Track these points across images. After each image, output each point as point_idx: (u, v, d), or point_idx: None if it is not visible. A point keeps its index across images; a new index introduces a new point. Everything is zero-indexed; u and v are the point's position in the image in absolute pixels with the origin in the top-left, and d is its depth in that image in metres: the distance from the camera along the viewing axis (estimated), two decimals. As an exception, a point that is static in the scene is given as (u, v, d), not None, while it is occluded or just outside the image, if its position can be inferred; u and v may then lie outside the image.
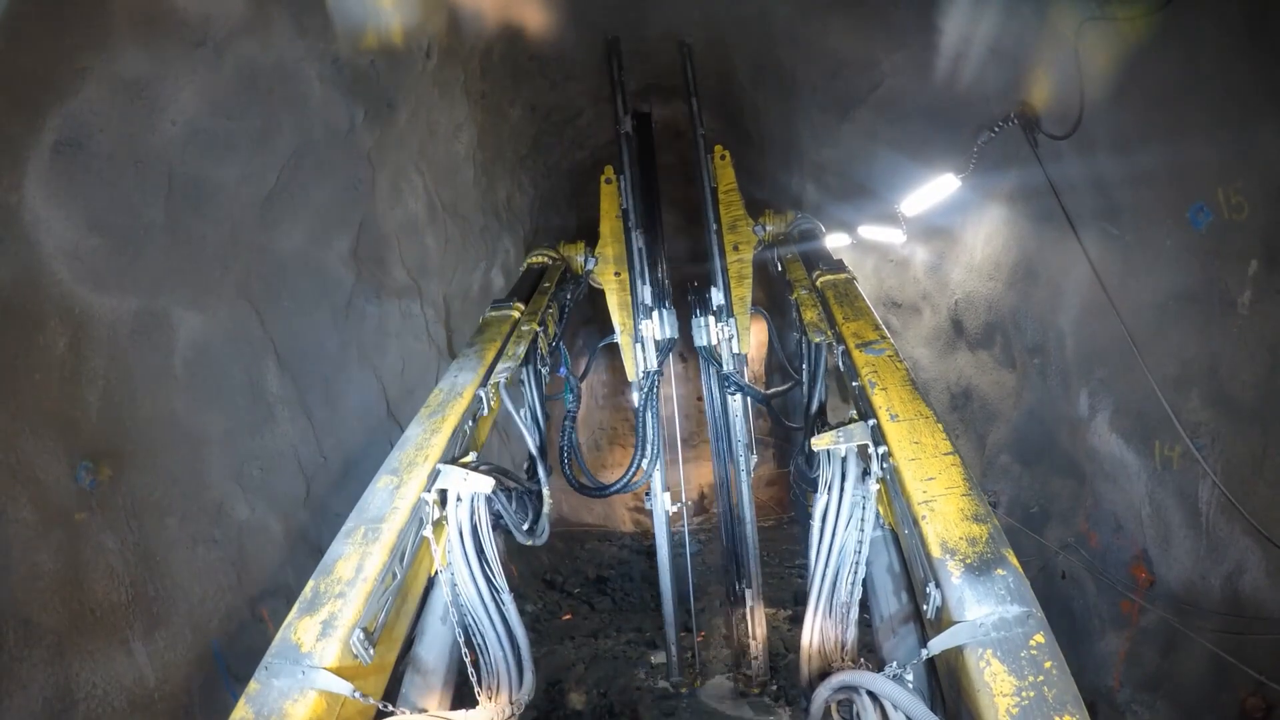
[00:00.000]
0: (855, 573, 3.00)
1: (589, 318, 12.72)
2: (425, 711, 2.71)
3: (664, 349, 5.30)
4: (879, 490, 2.99)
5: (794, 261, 4.99)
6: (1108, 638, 4.93)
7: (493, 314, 4.40)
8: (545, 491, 3.73)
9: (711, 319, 5.40)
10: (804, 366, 4.15)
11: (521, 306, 4.50)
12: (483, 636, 2.92)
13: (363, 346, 6.36)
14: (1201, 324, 3.99)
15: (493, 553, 2.94)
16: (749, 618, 6.31)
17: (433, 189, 7.16)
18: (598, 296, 5.67)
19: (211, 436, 4.47)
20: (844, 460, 3.06)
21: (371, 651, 2.41)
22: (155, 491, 3.95)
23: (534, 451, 3.80)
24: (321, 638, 2.32)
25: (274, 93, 4.40)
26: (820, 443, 3.10)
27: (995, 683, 2.07)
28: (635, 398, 5.12)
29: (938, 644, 2.27)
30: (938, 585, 2.35)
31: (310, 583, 2.50)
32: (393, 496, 2.80)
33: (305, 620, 2.38)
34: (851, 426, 3.09)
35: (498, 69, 7.88)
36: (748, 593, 6.22)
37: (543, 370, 4.26)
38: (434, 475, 2.88)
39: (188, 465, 4.23)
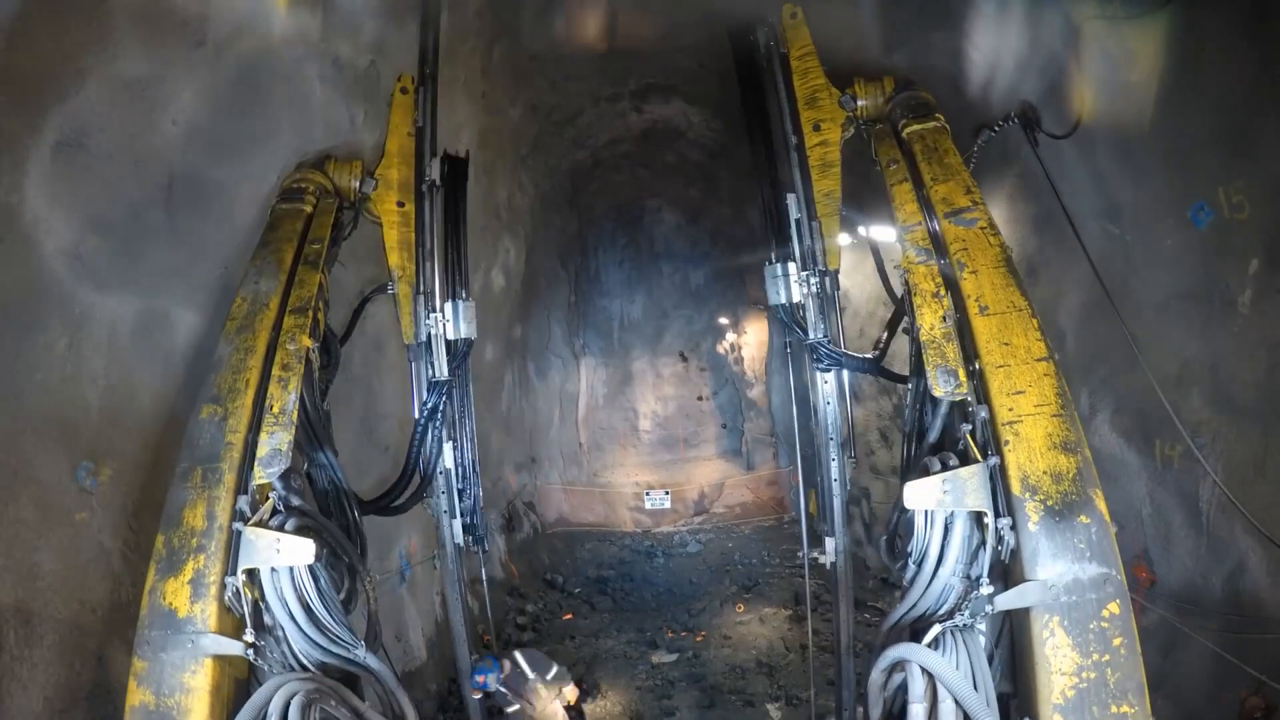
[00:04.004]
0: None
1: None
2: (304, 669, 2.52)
3: (460, 353, 4.18)
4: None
5: (900, 184, 3.39)
6: (1108, 637, 4.92)
7: (283, 207, 3.94)
8: (369, 582, 3.07)
9: (792, 267, 3.91)
10: (909, 404, 3.10)
11: (314, 200, 3.96)
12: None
13: (364, 346, 6.36)
14: (1202, 323, 3.99)
15: (330, 618, 2.57)
16: (839, 640, 4.75)
17: (433, 189, 7.15)
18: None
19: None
20: (949, 521, 2.30)
21: (245, 600, 2.32)
22: (155, 491, 3.95)
23: (349, 551, 3.01)
24: (196, 599, 2.24)
25: (274, 93, 4.40)
26: (918, 499, 2.30)
27: (1056, 658, 1.93)
28: (414, 407, 4.00)
29: (1004, 601, 2.09)
30: (1014, 529, 2.12)
31: (159, 537, 2.37)
32: (222, 430, 2.62)
33: (171, 582, 2.27)
34: (964, 474, 2.26)
35: (498, 69, 7.88)
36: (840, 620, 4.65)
37: (321, 404, 3.45)
38: (235, 542, 2.38)
39: (188, 465, 4.23)
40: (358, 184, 4.30)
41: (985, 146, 5.20)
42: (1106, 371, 4.91)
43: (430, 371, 4.04)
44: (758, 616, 9.77)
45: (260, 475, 2.64)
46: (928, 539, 2.35)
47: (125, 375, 3.80)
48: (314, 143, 4.94)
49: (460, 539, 4.36)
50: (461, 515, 4.39)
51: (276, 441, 2.71)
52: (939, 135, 3.52)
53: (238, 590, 2.31)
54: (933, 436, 2.79)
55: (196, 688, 2.13)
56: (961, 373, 2.64)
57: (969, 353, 2.54)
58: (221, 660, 2.23)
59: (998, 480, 2.26)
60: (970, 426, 2.46)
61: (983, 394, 2.40)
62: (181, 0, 3.55)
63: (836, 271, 4.04)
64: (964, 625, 2.24)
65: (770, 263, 4.08)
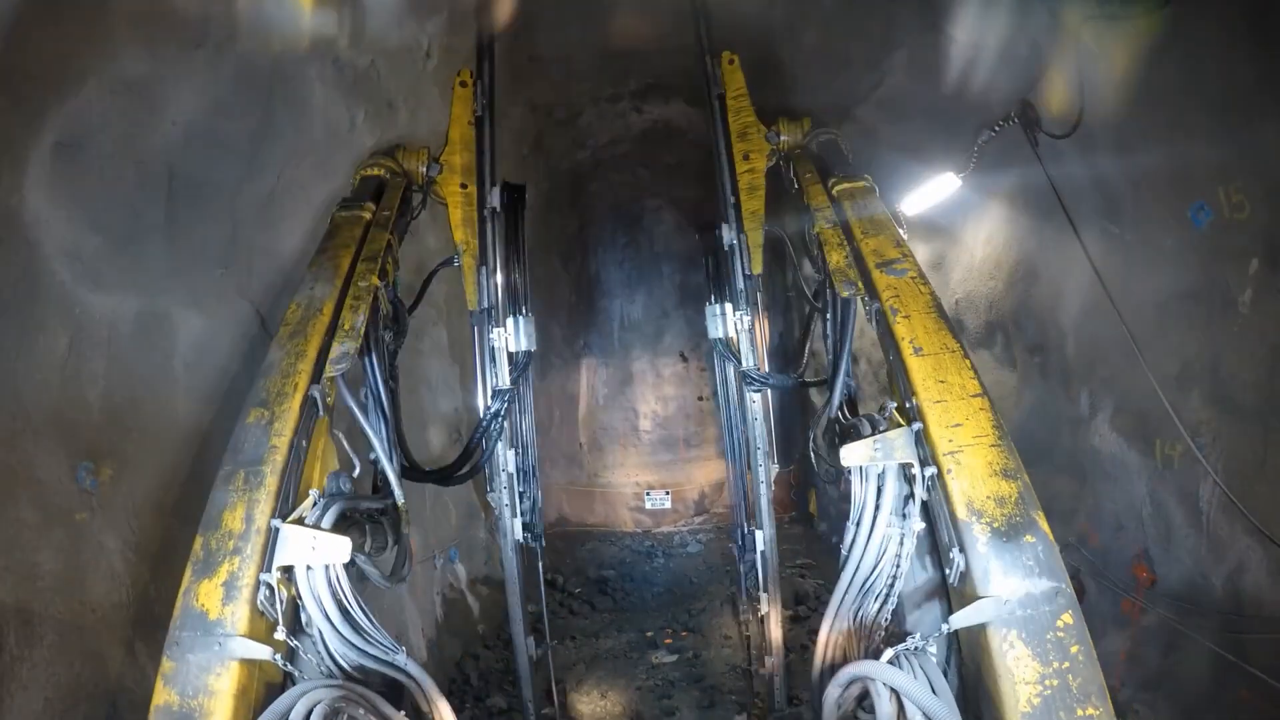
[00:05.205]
0: (884, 603, 2.68)
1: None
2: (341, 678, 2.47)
3: (520, 364, 4.62)
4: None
5: (813, 184, 4.38)
6: (1109, 637, 4.92)
7: (342, 214, 4.05)
8: (400, 503, 3.16)
9: (728, 307, 4.71)
10: (827, 325, 3.64)
11: (372, 207, 4.13)
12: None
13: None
14: (1202, 323, 3.99)
15: (368, 620, 2.53)
16: (766, 641, 5.60)
17: (433, 189, 7.14)
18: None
19: (213, 437, 4.47)
20: (880, 478, 2.61)
21: (279, 605, 2.30)
22: (155, 491, 3.95)
23: (381, 454, 3.17)
24: (228, 601, 2.22)
25: (274, 93, 4.40)
26: (852, 457, 2.63)
27: (1019, 668, 1.99)
28: (479, 399, 4.40)
29: (960, 619, 2.17)
30: (962, 551, 2.23)
31: (198, 539, 2.36)
32: (267, 434, 2.64)
33: (205, 584, 2.27)
34: (891, 435, 2.60)
35: (499, 69, 7.87)
36: (765, 613, 5.55)
37: (386, 338, 3.69)
38: (272, 538, 2.39)
39: (188, 465, 4.23)
40: (425, 169, 4.85)
41: (985, 146, 5.21)
42: (1107, 371, 4.91)
43: (494, 380, 4.49)
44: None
45: (330, 371, 2.95)
46: (864, 494, 2.63)
47: (125, 375, 3.80)
48: (314, 143, 4.95)
49: (520, 535, 4.72)
50: (520, 515, 4.88)
51: (345, 348, 3.02)
52: (868, 194, 3.98)
53: (271, 591, 2.29)
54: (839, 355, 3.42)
55: (220, 690, 2.11)
56: (860, 284, 3.21)
57: (905, 390, 2.70)
58: (250, 664, 2.21)
59: (921, 440, 2.51)
60: (895, 402, 2.80)
61: (920, 422, 2.56)
62: (181, 0, 3.55)
63: (760, 276, 4.80)
64: (917, 649, 2.36)
65: (710, 303, 4.89)
